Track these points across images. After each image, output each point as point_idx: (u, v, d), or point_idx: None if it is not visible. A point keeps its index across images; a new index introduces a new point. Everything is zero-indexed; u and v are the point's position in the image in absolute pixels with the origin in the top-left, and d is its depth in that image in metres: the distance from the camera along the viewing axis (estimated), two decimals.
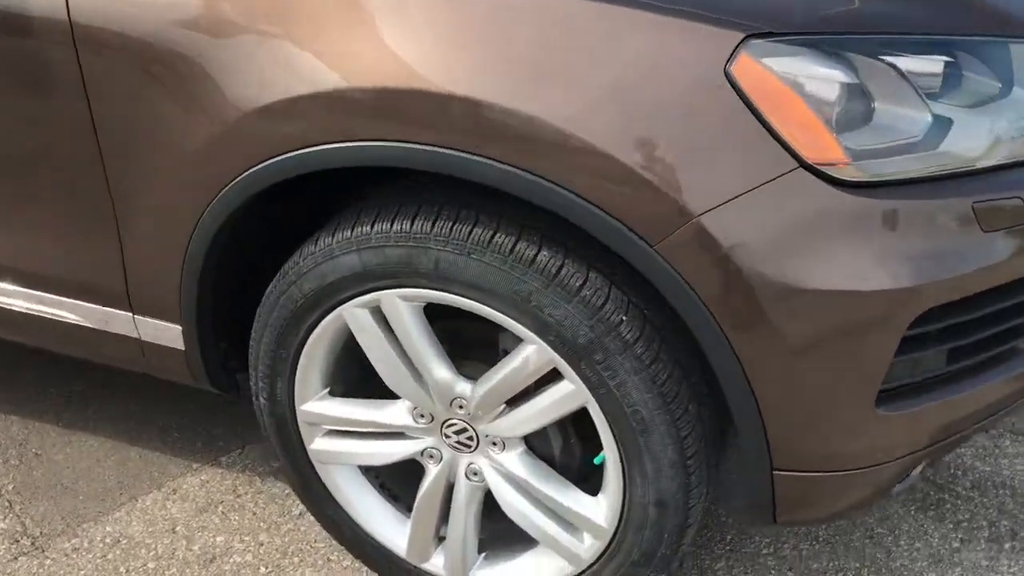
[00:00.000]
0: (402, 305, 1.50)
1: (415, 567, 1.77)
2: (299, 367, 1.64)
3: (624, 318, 1.39)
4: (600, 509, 1.55)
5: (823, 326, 1.30)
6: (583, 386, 1.44)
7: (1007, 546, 1.94)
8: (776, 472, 1.41)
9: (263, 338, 1.64)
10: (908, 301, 1.30)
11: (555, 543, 1.61)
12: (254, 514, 2.09)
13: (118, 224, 1.66)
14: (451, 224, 1.42)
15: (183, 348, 1.75)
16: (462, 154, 1.33)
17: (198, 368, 1.77)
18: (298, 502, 2.11)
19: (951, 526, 1.99)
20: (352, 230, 1.48)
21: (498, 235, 1.40)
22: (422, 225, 1.43)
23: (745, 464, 1.43)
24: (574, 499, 1.58)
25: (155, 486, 2.17)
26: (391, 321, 1.53)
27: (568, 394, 1.46)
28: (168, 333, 1.74)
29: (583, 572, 1.62)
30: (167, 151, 1.54)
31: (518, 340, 1.53)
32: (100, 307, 1.78)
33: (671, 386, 1.41)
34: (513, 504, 1.62)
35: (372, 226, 1.47)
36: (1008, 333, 1.47)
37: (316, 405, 1.69)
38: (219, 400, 2.46)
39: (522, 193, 1.32)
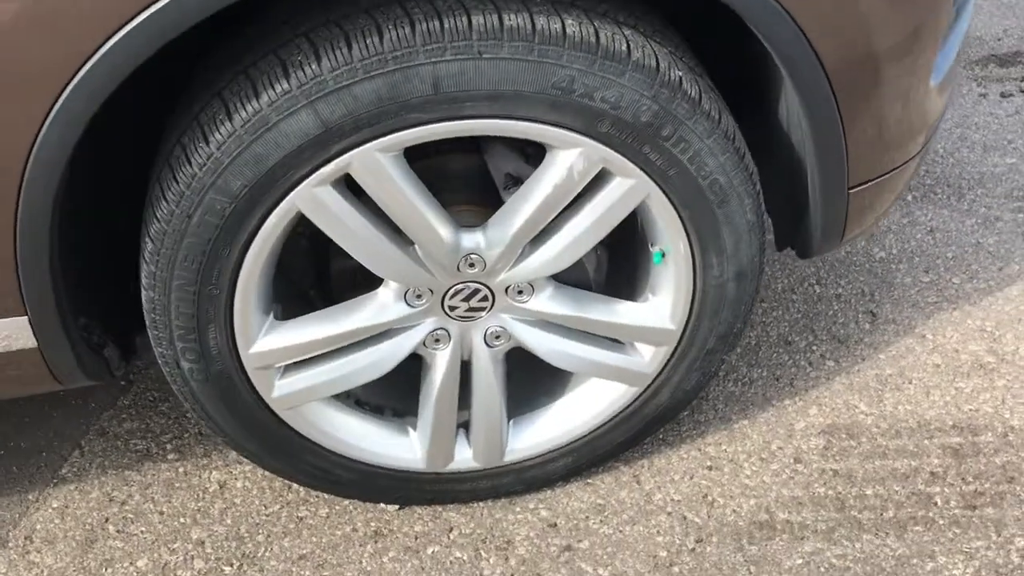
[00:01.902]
0: (384, 159, 1.09)
1: (439, 474, 1.44)
2: (237, 301, 1.17)
3: (680, 74, 1.10)
4: (662, 311, 1.32)
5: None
6: (644, 177, 1.15)
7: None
8: (851, 190, 1.28)
9: (172, 282, 1.14)
10: None
11: (613, 370, 1.37)
12: (163, 513, 1.59)
13: None
14: (437, 21, 1.01)
15: (35, 344, 1.18)
16: None
17: (65, 362, 1.21)
18: (211, 474, 1.64)
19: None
20: (288, 79, 1.01)
21: (506, 15, 1.02)
22: (398, 34, 1.00)
23: (820, 195, 1.27)
24: (628, 313, 1.33)
25: None
26: (369, 185, 1.11)
27: (624, 194, 1.17)
28: (3, 332, 1.16)
29: (648, 387, 1.40)
30: None
31: (527, 158, 1.20)
32: None
33: (740, 139, 1.18)
34: (555, 349, 1.34)
35: (319, 62, 1.01)
36: None
37: (268, 341, 1.23)
38: None
39: None
